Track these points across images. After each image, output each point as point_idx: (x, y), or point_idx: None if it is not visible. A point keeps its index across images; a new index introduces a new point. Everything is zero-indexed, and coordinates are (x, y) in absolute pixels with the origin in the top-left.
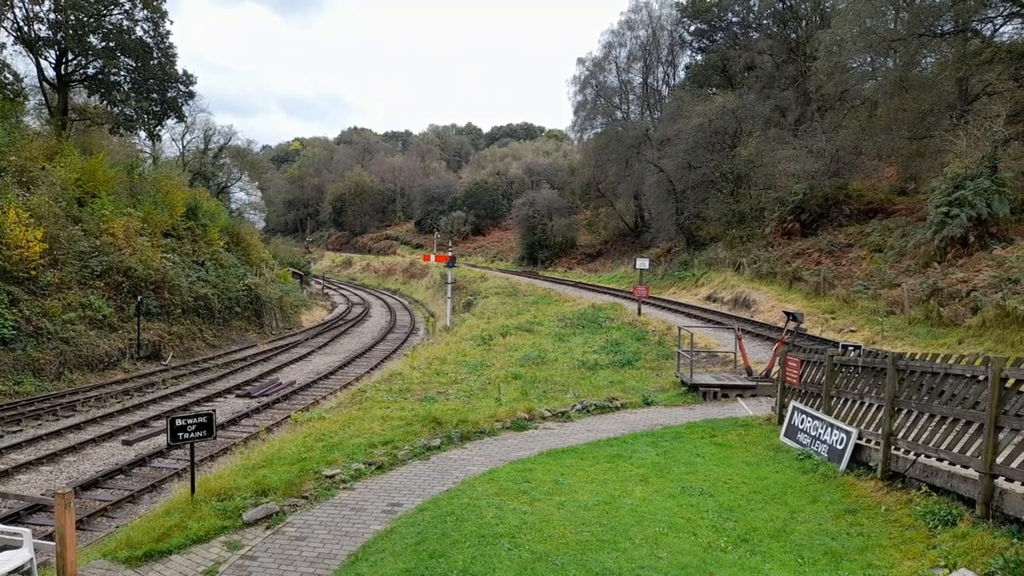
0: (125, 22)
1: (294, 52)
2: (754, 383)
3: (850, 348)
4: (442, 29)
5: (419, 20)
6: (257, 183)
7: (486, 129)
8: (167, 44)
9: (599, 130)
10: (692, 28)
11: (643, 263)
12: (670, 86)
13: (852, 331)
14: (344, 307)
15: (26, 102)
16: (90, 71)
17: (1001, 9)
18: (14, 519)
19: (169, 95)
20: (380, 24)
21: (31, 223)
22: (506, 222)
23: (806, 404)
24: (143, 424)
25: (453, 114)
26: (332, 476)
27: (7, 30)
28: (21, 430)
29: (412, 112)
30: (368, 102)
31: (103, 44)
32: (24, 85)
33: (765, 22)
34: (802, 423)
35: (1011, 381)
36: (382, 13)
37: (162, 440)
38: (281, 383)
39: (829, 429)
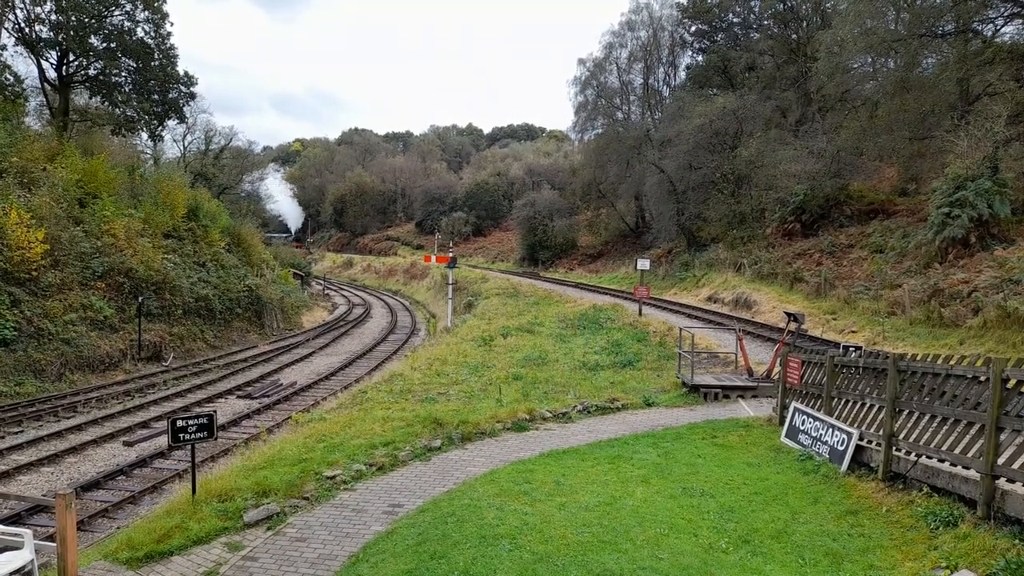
0: (126, 23)
1: (282, 49)
2: (755, 384)
3: (851, 349)
4: (441, 30)
5: (416, 19)
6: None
7: (487, 130)
8: (168, 45)
9: (600, 131)
10: (693, 29)
11: (644, 264)
12: (671, 87)
13: (853, 332)
14: (345, 308)
15: (27, 103)
16: (91, 72)
17: (1002, 9)
18: (15, 520)
19: (170, 96)
20: (372, 23)
21: (32, 224)
22: (507, 223)
23: (807, 405)
24: (144, 425)
25: (454, 115)
26: (333, 477)
27: (8, 31)
28: (22, 431)
29: (413, 113)
30: (365, 101)
31: (104, 45)
32: (25, 86)
33: (766, 23)
34: (803, 424)
35: (1012, 382)
36: (373, 11)
37: (163, 441)
38: (282, 384)
39: (830, 430)
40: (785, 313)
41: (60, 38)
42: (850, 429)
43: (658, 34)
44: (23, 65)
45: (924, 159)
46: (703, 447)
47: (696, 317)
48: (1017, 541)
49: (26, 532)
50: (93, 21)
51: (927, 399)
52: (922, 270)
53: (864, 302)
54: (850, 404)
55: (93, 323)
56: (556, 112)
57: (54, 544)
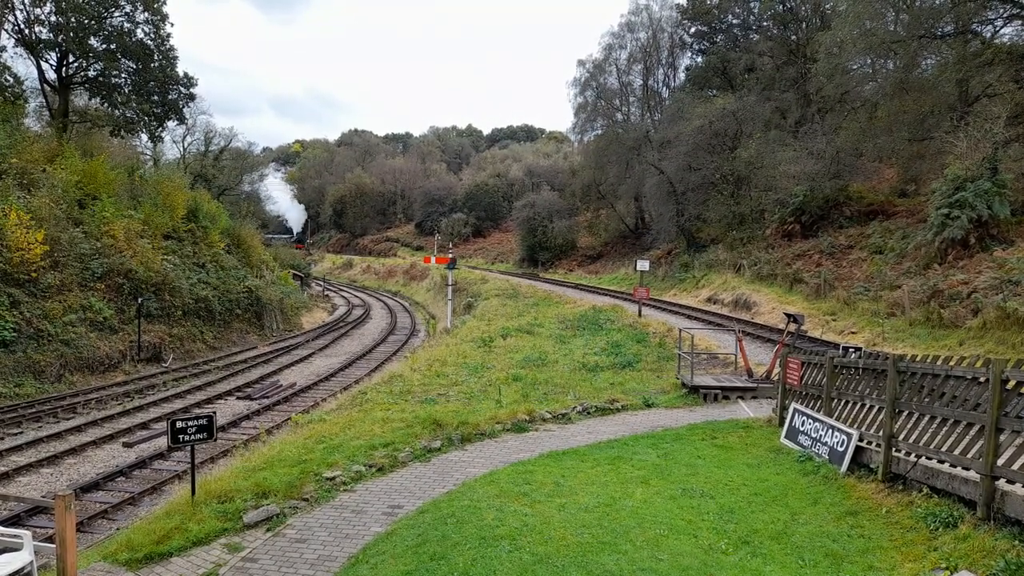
0: (126, 24)
1: (281, 50)
2: (755, 385)
3: (851, 350)
4: (441, 30)
5: (416, 19)
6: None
7: (487, 131)
8: (168, 46)
9: (599, 132)
10: (692, 30)
11: (643, 265)
12: (670, 88)
13: (853, 333)
14: (345, 309)
15: (27, 104)
16: (91, 73)
17: (1001, 11)
18: (14, 521)
19: (170, 97)
20: (372, 23)
21: (32, 225)
22: (506, 224)
23: (807, 406)
24: (144, 426)
25: (454, 115)
26: (332, 478)
27: (8, 32)
28: (22, 432)
29: (412, 114)
30: (364, 103)
31: (104, 46)
32: (25, 87)
33: (765, 24)
34: (803, 425)
35: (1012, 383)
36: (372, 11)
37: (162, 442)
38: (281, 385)
39: (830, 431)
40: (785, 314)
41: (60, 39)
42: (850, 430)
43: (657, 35)
44: (23, 66)
45: (923, 160)
46: (703, 448)
47: (696, 318)
48: (1017, 542)
49: (25, 533)
50: (93, 22)
51: (927, 400)
52: (921, 271)
53: (864, 303)
54: (850, 405)
55: (93, 324)
56: (556, 113)
57: (53, 545)
